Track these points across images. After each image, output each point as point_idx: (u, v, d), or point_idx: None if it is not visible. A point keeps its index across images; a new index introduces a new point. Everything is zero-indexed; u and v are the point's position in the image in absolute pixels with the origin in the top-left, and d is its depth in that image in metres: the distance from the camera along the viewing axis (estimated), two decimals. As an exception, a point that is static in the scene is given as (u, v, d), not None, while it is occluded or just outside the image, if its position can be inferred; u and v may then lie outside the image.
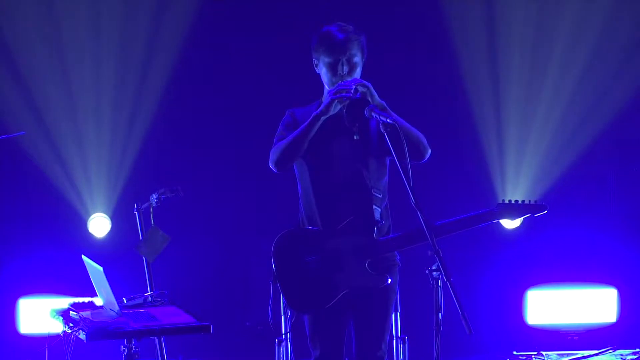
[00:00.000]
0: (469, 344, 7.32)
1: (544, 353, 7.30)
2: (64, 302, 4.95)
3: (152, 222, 5.38)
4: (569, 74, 7.43)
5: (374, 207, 4.57)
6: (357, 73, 4.59)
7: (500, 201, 4.68)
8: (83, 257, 4.70)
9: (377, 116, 4.28)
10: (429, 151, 4.60)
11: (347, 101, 4.42)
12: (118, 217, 7.32)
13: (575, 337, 7.45)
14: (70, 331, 4.51)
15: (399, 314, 4.81)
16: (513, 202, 4.66)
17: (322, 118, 4.48)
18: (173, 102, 7.39)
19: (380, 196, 4.60)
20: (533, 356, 7.27)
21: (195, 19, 7.33)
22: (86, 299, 4.85)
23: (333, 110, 4.48)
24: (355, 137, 4.57)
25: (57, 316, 4.72)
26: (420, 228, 4.02)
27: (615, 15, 7.40)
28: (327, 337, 4.58)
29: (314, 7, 7.19)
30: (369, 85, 4.48)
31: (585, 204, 7.56)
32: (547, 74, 7.45)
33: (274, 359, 4.84)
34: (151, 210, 5.40)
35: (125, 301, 4.89)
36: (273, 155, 4.57)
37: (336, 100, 4.44)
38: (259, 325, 7.33)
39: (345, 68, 4.56)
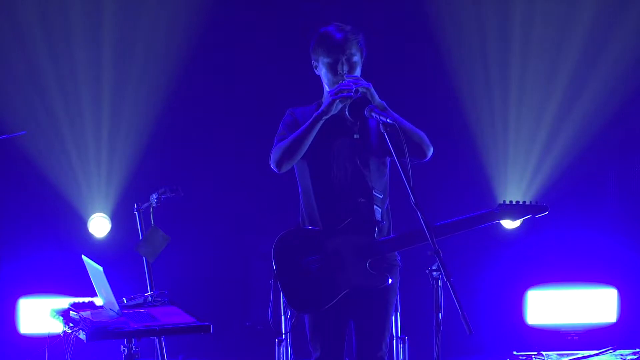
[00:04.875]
0: (469, 344, 7.32)
1: (544, 353, 7.30)
2: (64, 302, 4.96)
3: (152, 222, 5.38)
4: (568, 73, 7.44)
5: (375, 207, 4.57)
6: (357, 72, 4.59)
7: (501, 202, 4.68)
8: (83, 257, 4.70)
9: (377, 116, 4.28)
10: (432, 149, 4.59)
11: (349, 101, 4.42)
12: (118, 217, 7.32)
13: (575, 337, 7.45)
14: (70, 331, 4.51)
15: (399, 314, 4.81)
16: (514, 202, 4.66)
17: (324, 118, 4.49)
18: (173, 102, 7.39)
19: (381, 196, 4.60)
20: (533, 356, 7.28)
21: (195, 20, 7.33)
22: (86, 299, 4.85)
23: (334, 110, 4.48)
24: (355, 136, 4.58)
25: (57, 316, 4.72)
26: (421, 228, 4.02)
27: (615, 13, 7.40)
28: (328, 338, 4.58)
29: (313, 7, 7.19)
30: (369, 85, 4.48)
31: (585, 204, 7.57)
32: (548, 73, 7.45)
33: (274, 359, 4.84)
34: (151, 210, 5.40)
35: (125, 301, 4.89)
36: (274, 155, 4.57)
37: (337, 100, 4.44)
38: (259, 325, 7.33)
39: (345, 67, 4.56)
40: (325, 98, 4.55)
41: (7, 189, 7.36)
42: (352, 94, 4.42)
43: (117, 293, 4.57)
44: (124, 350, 4.49)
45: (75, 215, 7.36)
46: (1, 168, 7.33)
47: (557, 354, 7.29)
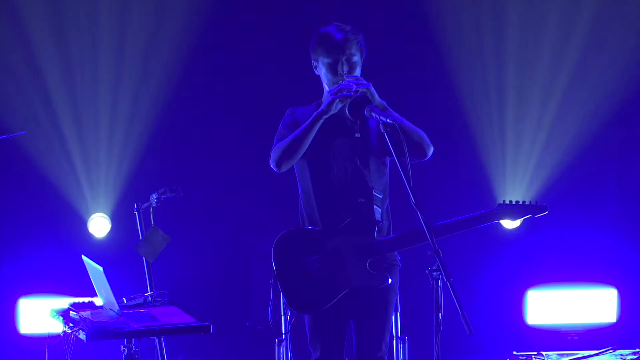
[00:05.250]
0: (469, 344, 7.32)
1: (544, 353, 7.30)
2: (64, 302, 4.96)
3: (152, 222, 5.38)
4: (568, 73, 7.43)
5: (375, 207, 4.57)
6: (357, 72, 4.59)
7: (501, 201, 4.68)
8: (83, 257, 4.70)
9: (377, 116, 4.29)
10: (432, 149, 4.59)
11: (349, 100, 4.42)
12: (118, 217, 7.32)
13: (575, 337, 7.45)
14: (70, 331, 4.51)
15: (399, 314, 4.81)
16: (514, 202, 4.66)
17: (324, 117, 4.49)
18: (173, 102, 7.39)
19: (380, 196, 4.60)
20: (533, 356, 7.28)
21: (195, 21, 7.33)
22: (86, 299, 4.85)
23: (334, 110, 4.48)
24: (357, 135, 4.58)
25: (57, 316, 4.72)
26: (421, 228, 4.02)
27: (615, 13, 7.40)
28: (328, 338, 4.58)
29: (313, 7, 7.19)
30: (369, 85, 4.48)
31: (585, 204, 7.56)
32: (547, 73, 7.45)
33: (274, 359, 4.84)
34: (151, 210, 5.40)
35: (125, 301, 4.89)
36: (274, 155, 4.57)
37: (337, 100, 4.44)
38: (259, 325, 7.33)
39: (345, 68, 4.56)
40: (325, 97, 4.55)
41: (7, 189, 7.36)
42: (352, 93, 4.43)
43: (117, 293, 4.57)
44: (124, 350, 4.49)
45: (75, 215, 7.36)
46: (1, 168, 7.33)
47: (557, 354, 7.29)
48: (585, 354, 7.25)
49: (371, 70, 4.74)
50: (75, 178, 7.35)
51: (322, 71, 4.62)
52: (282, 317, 4.74)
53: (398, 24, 7.43)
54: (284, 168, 4.57)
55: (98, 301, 4.78)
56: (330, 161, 4.59)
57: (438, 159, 4.88)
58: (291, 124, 4.63)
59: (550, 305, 7.50)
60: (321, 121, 4.49)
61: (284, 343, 4.79)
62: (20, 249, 7.32)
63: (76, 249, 6.94)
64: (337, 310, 4.52)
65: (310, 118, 4.51)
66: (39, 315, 7.10)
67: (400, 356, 4.84)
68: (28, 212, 7.36)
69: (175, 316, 4.57)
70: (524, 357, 7.27)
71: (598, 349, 7.31)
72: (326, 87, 4.62)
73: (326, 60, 4.57)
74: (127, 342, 4.48)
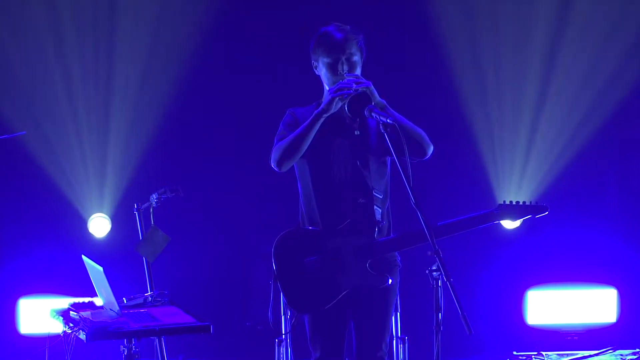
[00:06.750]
0: (469, 344, 7.32)
1: (544, 353, 7.30)
2: (64, 302, 4.96)
3: (152, 222, 5.38)
4: (568, 73, 7.44)
5: (375, 207, 4.57)
6: (357, 72, 4.59)
7: (501, 202, 4.68)
8: (83, 257, 4.70)
9: (377, 116, 4.29)
10: (432, 147, 4.59)
11: (348, 98, 4.42)
12: (118, 217, 7.32)
13: (575, 337, 7.45)
14: (70, 331, 4.51)
15: (399, 314, 4.81)
16: (514, 203, 4.66)
17: (324, 116, 4.48)
18: (173, 102, 7.39)
19: (381, 196, 4.60)
20: (533, 356, 7.28)
21: (194, 21, 7.33)
22: (86, 299, 4.85)
23: (334, 108, 4.48)
24: (356, 133, 4.58)
25: (57, 316, 4.72)
26: (421, 228, 4.02)
27: (614, 12, 7.40)
28: (328, 338, 4.58)
29: (313, 7, 7.19)
30: (370, 84, 4.48)
31: (585, 203, 7.56)
32: (547, 72, 7.45)
33: (274, 359, 4.84)
34: (151, 210, 5.41)
35: (125, 301, 4.89)
36: (275, 155, 4.57)
37: (337, 98, 4.44)
38: (259, 325, 7.33)
39: (345, 67, 4.56)
40: (325, 96, 4.55)
41: (7, 189, 7.36)
42: (352, 91, 4.42)
43: (117, 293, 4.57)
44: (124, 350, 4.49)
45: (75, 215, 7.36)
46: (1, 168, 7.33)
47: (557, 354, 7.29)
48: (585, 354, 7.25)
49: (371, 70, 4.74)
50: (75, 178, 7.35)
51: (322, 71, 4.62)
52: (282, 317, 4.74)
53: (398, 24, 7.43)
54: (285, 167, 4.57)
55: (98, 301, 4.78)
56: (330, 161, 4.59)
57: (438, 159, 4.88)
58: (291, 124, 4.63)
59: (550, 305, 7.50)
60: (321, 120, 4.49)
61: (284, 343, 4.79)
62: (20, 249, 7.32)
63: (76, 249, 6.94)
64: (337, 310, 4.52)
65: (311, 117, 4.50)
66: (39, 315, 7.10)
67: (400, 356, 4.84)
68: (28, 212, 7.36)
69: (175, 316, 4.57)
70: (524, 357, 7.27)
71: (598, 349, 7.31)
72: (326, 87, 4.62)
73: (326, 60, 4.58)
74: (127, 342, 4.48)
